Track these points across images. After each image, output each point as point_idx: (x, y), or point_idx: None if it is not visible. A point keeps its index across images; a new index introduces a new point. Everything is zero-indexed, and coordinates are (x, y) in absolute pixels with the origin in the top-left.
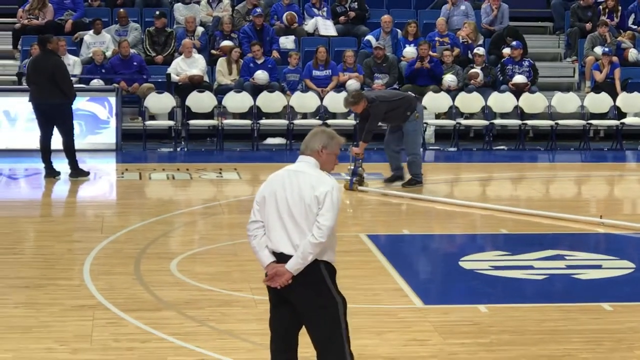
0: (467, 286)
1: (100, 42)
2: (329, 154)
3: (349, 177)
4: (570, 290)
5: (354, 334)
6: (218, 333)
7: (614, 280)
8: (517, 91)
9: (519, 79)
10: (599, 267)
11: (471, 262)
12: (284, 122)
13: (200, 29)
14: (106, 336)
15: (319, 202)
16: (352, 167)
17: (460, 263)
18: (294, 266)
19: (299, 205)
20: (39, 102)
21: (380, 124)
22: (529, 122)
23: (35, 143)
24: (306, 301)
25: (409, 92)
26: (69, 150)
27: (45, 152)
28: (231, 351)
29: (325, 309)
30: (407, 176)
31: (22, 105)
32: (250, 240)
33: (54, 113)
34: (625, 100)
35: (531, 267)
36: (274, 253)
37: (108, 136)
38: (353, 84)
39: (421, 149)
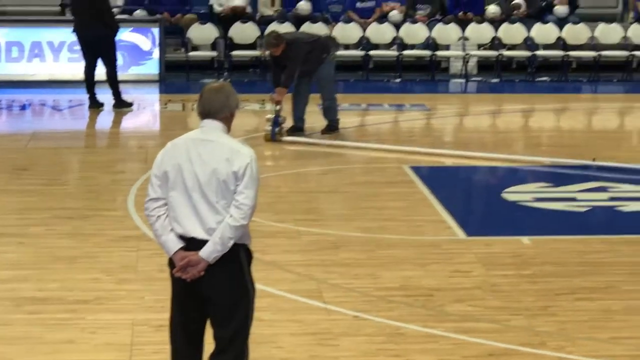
0: (509, 218)
1: None
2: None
3: (269, 128)
4: (613, 222)
5: (398, 265)
6: (262, 264)
7: None
8: (559, 21)
9: (562, 10)
10: None
11: (514, 194)
12: None
13: None
14: (151, 267)
15: (237, 177)
16: (273, 116)
17: (503, 195)
18: (211, 254)
19: (212, 181)
20: (82, 33)
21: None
22: (572, 53)
23: (78, 74)
24: (220, 295)
25: (323, 34)
26: (113, 81)
27: (89, 82)
28: (275, 282)
29: (239, 306)
30: (324, 123)
31: (65, 36)
32: (151, 222)
33: (97, 44)
34: None
35: (574, 199)
36: (183, 238)
37: (151, 67)
38: (395, 15)
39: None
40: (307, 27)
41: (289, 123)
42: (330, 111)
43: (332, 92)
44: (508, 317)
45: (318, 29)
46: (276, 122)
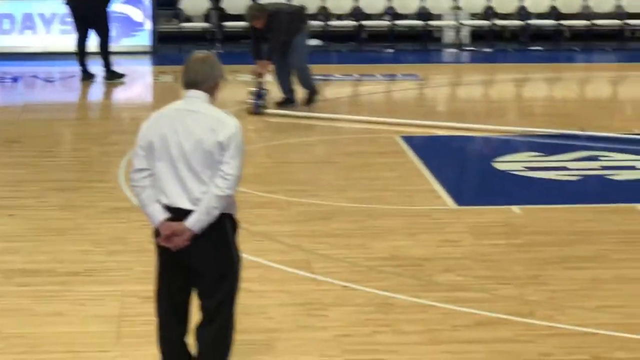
0: (500, 187)
1: None
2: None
3: (252, 100)
4: (604, 191)
5: (388, 235)
6: (251, 234)
7: None
8: None
9: None
10: (632, 167)
11: (505, 163)
12: (319, 23)
13: None
14: (141, 238)
15: (223, 147)
16: (255, 89)
17: (494, 164)
18: (196, 223)
19: (197, 151)
20: (75, 4)
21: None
22: (565, 22)
23: (70, 46)
24: (206, 265)
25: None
26: (104, 53)
27: (81, 54)
28: (264, 253)
29: (225, 277)
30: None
31: (57, 8)
32: (136, 192)
33: (89, 15)
34: None
35: (565, 168)
36: (169, 208)
37: (143, 39)
38: None
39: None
40: None
41: (275, 96)
42: (305, 78)
43: (304, 61)
44: (497, 286)
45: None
46: (259, 94)
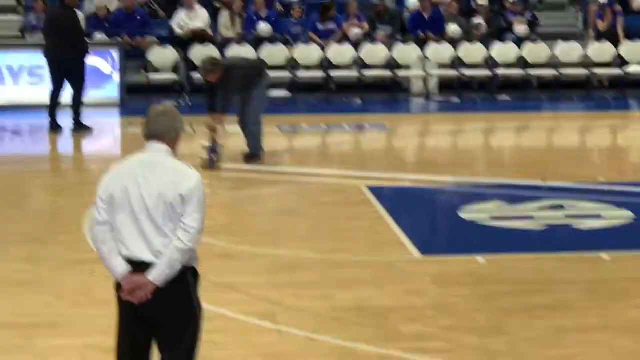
0: (465, 237)
1: None
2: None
3: (206, 155)
4: (569, 240)
5: (353, 285)
6: (216, 286)
7: (613, 230)
8: (519, 41)
9: (521, 29)
10: (598, 216)
11: (471, 214)
12: (287, 74)
13: None
14: (106, 290)
15: (185, 200)
16: (210, 144)
17: (460, 214)
18: (159, 276)
19: (159, 204)
20: (53, 56)
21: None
22: (532, 71)
23: (38, 98)
24: (168, 318)
25: (258, 58)
26: (77, 105)
27: (53, 106)
28: (228, 304)
29: (186, 329)
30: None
31: (25, 61)
32: (97, 246)
33: (67, 67)
34: (628, 48)
35: (531, 218)
36: (130, 260)
37: (111, 90)
38: (357, 33)
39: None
40: (268, 49)
41: (243, 149)
42: (254, 138)
43: (259, 115)
44: (461, 336)
45: (279, 51)
46: (213, 149)
